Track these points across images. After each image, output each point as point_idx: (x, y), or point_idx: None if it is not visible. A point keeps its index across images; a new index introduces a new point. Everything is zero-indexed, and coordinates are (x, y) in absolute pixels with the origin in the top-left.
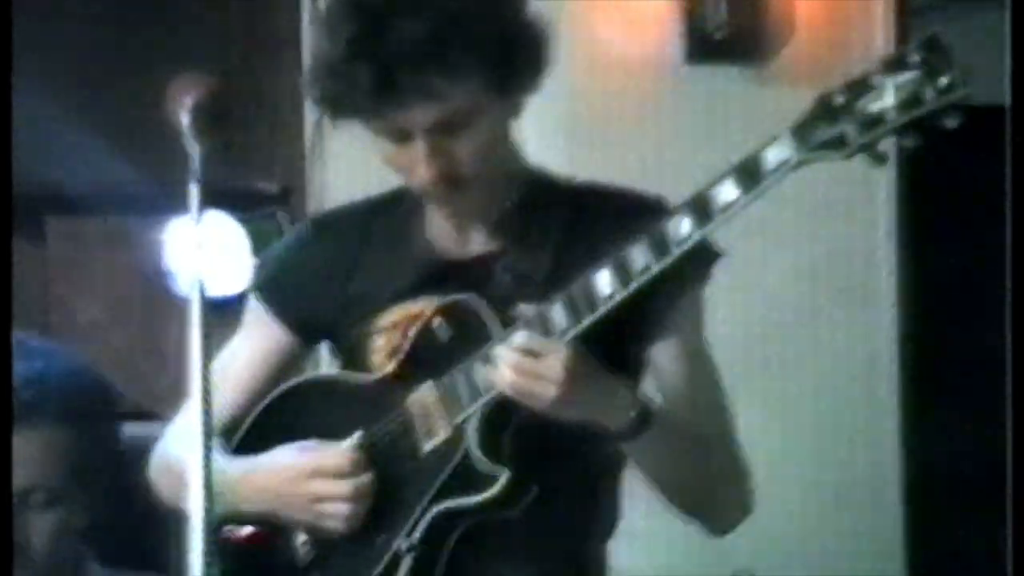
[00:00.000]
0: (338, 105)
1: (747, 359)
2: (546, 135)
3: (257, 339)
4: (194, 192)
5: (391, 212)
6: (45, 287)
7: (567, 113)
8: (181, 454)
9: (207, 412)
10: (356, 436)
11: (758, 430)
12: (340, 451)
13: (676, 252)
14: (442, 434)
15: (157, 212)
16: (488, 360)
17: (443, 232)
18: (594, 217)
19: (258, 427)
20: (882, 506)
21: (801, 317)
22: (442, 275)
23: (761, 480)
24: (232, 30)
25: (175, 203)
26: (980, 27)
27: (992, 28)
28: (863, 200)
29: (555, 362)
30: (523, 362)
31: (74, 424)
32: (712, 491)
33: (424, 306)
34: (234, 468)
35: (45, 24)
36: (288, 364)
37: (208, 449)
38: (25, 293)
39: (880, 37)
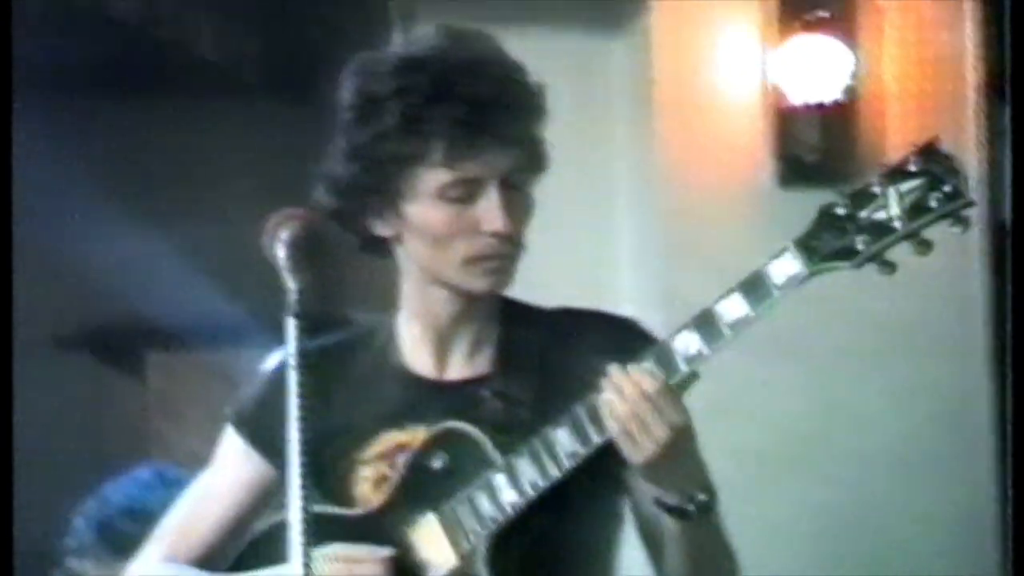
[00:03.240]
0: (406, 163)
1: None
2: (641, 256)
3: (235, 472)
4: (291, 325)
5: (367, 343)
6: (144, 419)
7: (661, 235)
8: None
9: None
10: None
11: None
12: None
13: (684, 370)
14: (449, 565)
15: (254, 345)
16: (489, 488)
17: (421, 359)
18: (573, 339)
19: (245, 564)
20: None
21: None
22: (425, 402)
23: None
24: None
25: (272, 337)
26: None
27: None
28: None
29: (671, 413)
30: (641, 405)
31: None
32: None
33: (411, 435)
34: None
35: (143, 164)
36: (267, 497)
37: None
38: (124, 425)
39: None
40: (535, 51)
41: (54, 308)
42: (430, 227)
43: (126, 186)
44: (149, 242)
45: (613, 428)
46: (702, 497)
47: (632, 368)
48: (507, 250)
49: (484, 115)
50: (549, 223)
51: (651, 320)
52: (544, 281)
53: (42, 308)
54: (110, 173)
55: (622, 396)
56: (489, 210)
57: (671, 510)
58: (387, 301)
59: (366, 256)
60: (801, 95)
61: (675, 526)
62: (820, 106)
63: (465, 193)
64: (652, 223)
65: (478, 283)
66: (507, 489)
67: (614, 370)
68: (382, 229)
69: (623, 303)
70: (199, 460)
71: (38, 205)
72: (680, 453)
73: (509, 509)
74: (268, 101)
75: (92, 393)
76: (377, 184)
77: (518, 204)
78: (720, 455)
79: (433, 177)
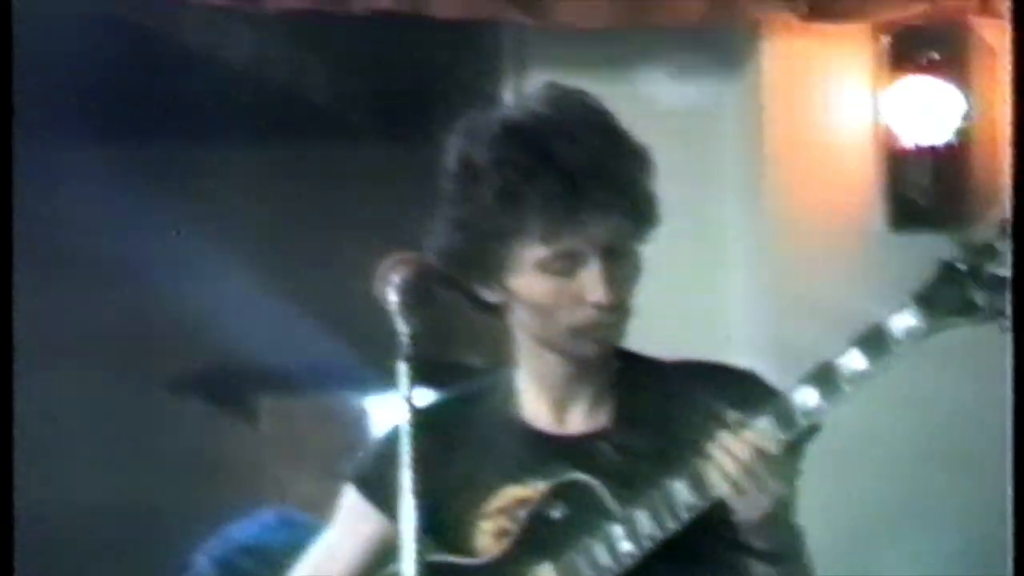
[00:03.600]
0: (507, 237)
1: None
2: (752, 302)
3: (356, 530)
4: (403, 370)
5: (487, 398)
6: (258, 463)
7: (772, 279)
8: None
9: None
10: None
11: None
12: None
13: (803, 424)
14: None
15: (366, 390)
16: (607, 540)
17: (541, 414)
18: (693, 392)
19: None
20: None
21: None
22: (545, 456)
23: None
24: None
25: (384, 381)
26: None
27: None
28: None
29: (785, 471)
30: (757, 464)
31: None
32: None
33: (531, 489)
34: None
35: (255, 210)
36: (387, 554)
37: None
38: (239, 469)
39: None
40: (645, 95)
41: (169, 354)
42: (533, 299)
43: (239, 232)
44: (262, 287)
45: (728, 485)
46: (786, 548)
47: (750, 425)
48: (612, 319)
49: (582, 188)
50: (660, 271)
51: (762, 368)
52: (655, 331)
53: (157, 354)
54: (223, 219)
55: (739, 453)
56: (591, 281)
57: (763, 555)
58: (499, 347)
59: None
60: (913, 138)
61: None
62: (932, 149)
63: (566, 266)
64: (763, 267)
65: (586, 349)
66: (625, 541)
67: (733, 425)
68: (489, 296)
69: (734, 351)
70: (312, 503)
71: (153, 252)
72: (780, 508)
73: (626, 560)
74: (378, 144)
75: (206, 438)
76: (478, 256)
77: (622, 271)
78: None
79: (532, 251)
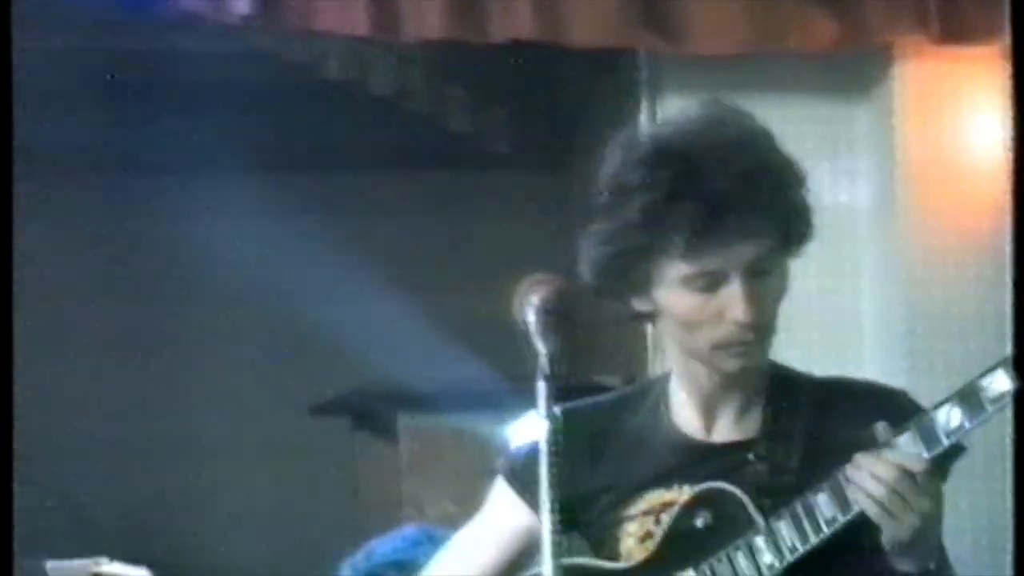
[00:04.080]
0: (651, 253)
1: None
2: (885, 321)
3: (502, 522)
4: (542, 389)
5: (638, 404)
6: (398, 482)
7: (905, 300)
8: None
9: None
10: None
11: None
12: None
13: (945, 443)
14: None
15: (504, 409)
16: (748, 549)
17: (690, 420)
18: (841, 409)
19: None
20: None
21: None
22: (692, 462)
23: None
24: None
25: (522, 400)
26: None
27: None
28: None
29: (930, 492)
30: (902, 484)
31: None
32: None
33: (676, 493)
34: None
35: (396, 235)
36: (529, 550)
37: None
38: (379, 488)
39: None
40: (778, 117)
41: (312, 377)
42: (677, 313)
43: (379, 255)
44: (403, 310)
45: (874, 505)
46: (931, 565)
47: (895, 444)
48: (754, 336)
49: (726, 210)
50: (794, 288)
51: (897, 385)
52: (792, 345)
53: (301, 376)
54: (366, 244)
55: (884, 474)
56: (732, 300)
57: None
58: (632, 369)
59: (623, 324)
60: None
61: None
62: None
63: (708, 283)
64: (896, 288)
65: (728, 364)
66: (766, 551)
67: (879, 443)
68: (640, 306)
69: (867, 368)
70: (451, 521)
71: (298, 277)
72: (928, 528)
73: (767, 571)
74: (518, 170)
75: (347, 456)
76: (626, 269)
77: (765, 290)
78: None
79: (676, 268)
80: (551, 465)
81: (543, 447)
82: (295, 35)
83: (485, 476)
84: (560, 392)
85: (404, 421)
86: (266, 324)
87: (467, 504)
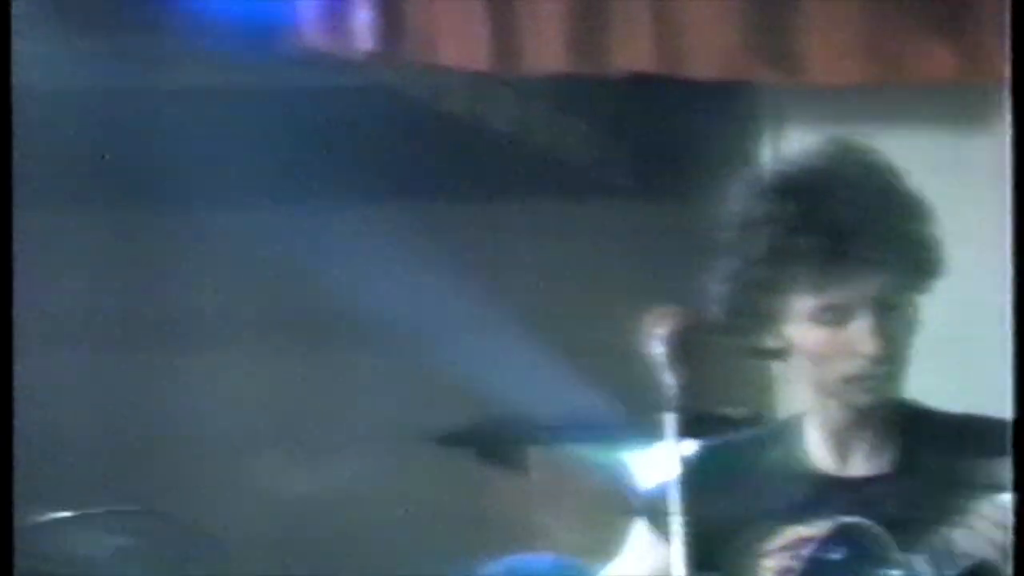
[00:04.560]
0: (779, 288)
1: None
2: (1005, 353)
3: (643, 560)
4: (670, 421)
5: (772, 441)
6: (527, 514)
7: None
8: None
9: None
10: None
11: None
12: None
13: None
14: None
15: (632, 441)
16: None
17: (824, 456)
18: (976, 446)
19: None
20: None
21: None
22: (827, 497)
23: None
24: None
25: (650, 432)
26: None
27: None
28: None
29: None
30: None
31: None
32: None
33: (814, 528)
34: None
35: (518, 267)
36: None
37: None
38: (509, 520)
39: None
40: (898, 148)
41: (440, 408)
42: (807, 348)
43: (503, 288)
44: (530, 342)
45: (995, 550)
46: None
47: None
48: (884, 370)
49: (851, 244)
50: (924, 320)
51: None
52: (927, 381)
53: (429, 408)
54: (487, 276)
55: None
56: (861, 334)
57: None
58: (763, 397)
59: (751, 359)
60: None
61: None
62: None
63: (837, 317)
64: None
65: (859, 399)
66: None
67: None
68: (768, 342)
69: (1005, 405)
70: (581, 551)
71: (422, 311)
72: None
73: None
74: (638, 203)
75: (476, 486)
76: (755, 305)
77: (894, 324)
78: None
79: (803, 302)
80: (686, 502)
81: (675, 482)
82: (417, 70)
83: (614, 508)
84: (687, 424)
85: (534, 452)
86: (395, 355)
87: (597, 535)
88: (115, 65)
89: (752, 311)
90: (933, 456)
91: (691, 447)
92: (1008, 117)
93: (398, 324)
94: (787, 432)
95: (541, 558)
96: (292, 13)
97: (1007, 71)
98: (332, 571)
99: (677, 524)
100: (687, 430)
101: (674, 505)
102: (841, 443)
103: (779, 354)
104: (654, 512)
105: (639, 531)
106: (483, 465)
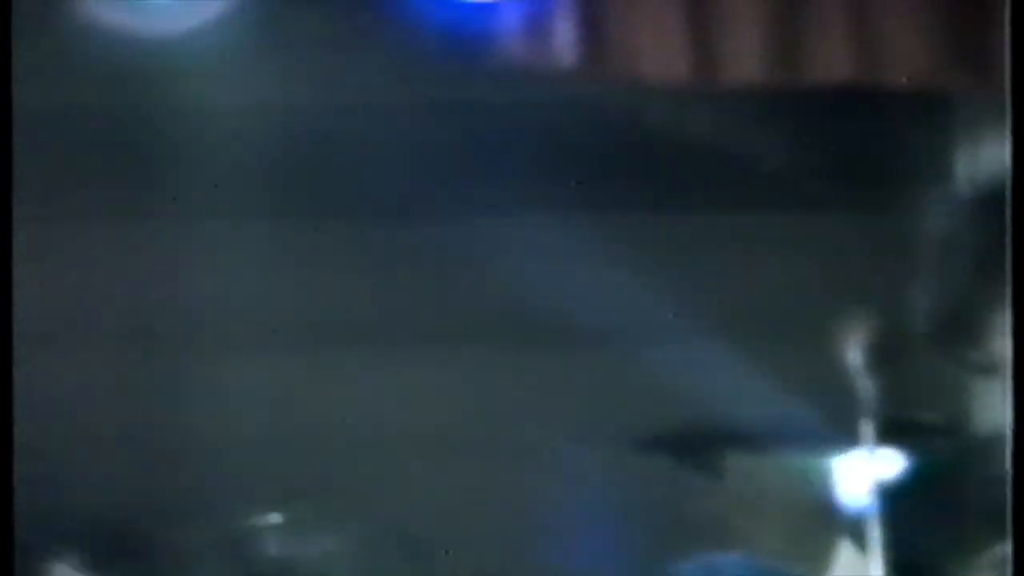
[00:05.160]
0: (988, 301)
1: None
2: None
3: None
4: (868, 428)
5: (971, 451)
6: (725, 518)
7: None
8: None
9: None
10: None
11: None
12: None
13: None
14: None
15: (829, 448)
16: None
17: None
18: None
19: None
20: None
21: None
22: None
23: None
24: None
25: (848, 439)
26: None
27: None
28: None
29: None
30: None
31: None
32: None
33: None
34: None
35: (706, 277)
36: None
37: None
38: (707, 522)
39: None
40: None
41: (640, 414)
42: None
43: (702, 297)
44: (726, 349)
45: None
46: None
47: None
48: None
49: None
50: None
51: None
52: None
53: (629, 414)
54: (687, 285)
55: None
56: None
57: None
58: (965, 414)
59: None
60: None
61: None
62: None
63: None
64: None
65: None
66: None
67: None
68: (976, 357)
69: None
70: (779, 556)
71: (621, 320)
72: None
73: None
74: (837, 214)
75: (672, 493)
76: (964, 319)
77: None
78: None
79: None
80: (886, 511)
81: (876, 489)
82: (617, 84)
83: (813, 515)
84: (887, 432)
85: (731, 458)
86: (598, 362)
87: (795, 541)
88: (318, 79)
89: (964, 324)
90: None
91: (891, 455)
92: None
93: (602, 332)
94: (990, 449)
95: (739, 560)
96: (492, 28)
97: None
98: (532, 572)
99: (880, 542)
100: (886, 438)
101: (877, 521)
102: None
103: (986, 370)
104: (855, 530)
105: (844, 549)
106: (681, 470)
